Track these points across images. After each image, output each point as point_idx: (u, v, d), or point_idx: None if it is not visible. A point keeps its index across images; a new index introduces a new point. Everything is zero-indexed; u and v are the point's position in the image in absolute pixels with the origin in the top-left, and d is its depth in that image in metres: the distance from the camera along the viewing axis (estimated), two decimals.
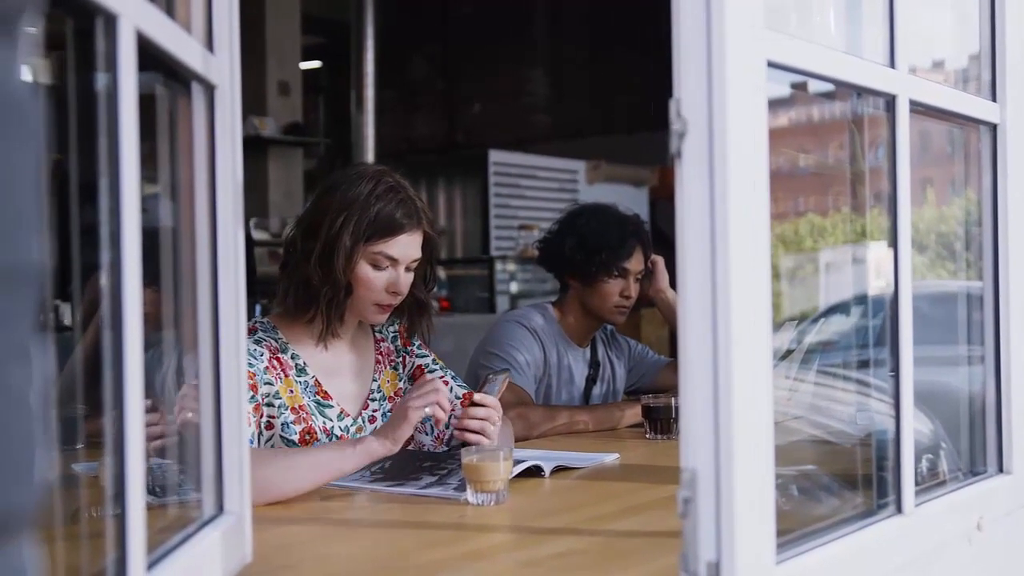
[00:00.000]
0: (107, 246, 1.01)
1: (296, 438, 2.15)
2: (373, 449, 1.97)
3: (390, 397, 2.35)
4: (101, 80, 1.02)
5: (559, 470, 2.17)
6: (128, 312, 1.01)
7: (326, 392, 2.23)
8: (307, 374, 2.22)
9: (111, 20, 0.99)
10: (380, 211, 2.17)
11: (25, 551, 0.57)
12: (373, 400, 2.33)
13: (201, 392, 1.37)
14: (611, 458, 2.34)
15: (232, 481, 1.38)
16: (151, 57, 1.12)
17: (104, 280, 1.02)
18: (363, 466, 2.00)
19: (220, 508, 1.37)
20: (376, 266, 2.19)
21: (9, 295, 0.55)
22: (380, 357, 2.38)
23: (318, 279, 2.17)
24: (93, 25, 1.00)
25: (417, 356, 2.44)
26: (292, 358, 2.22)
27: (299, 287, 2.20)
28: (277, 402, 2.14)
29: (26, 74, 0.59)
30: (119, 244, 1.01)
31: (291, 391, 2.17)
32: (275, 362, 2.17)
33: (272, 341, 2.19)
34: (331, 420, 2.21)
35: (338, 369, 2.29)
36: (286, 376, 2.18)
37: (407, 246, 2.21)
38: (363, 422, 2.28)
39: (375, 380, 2.35)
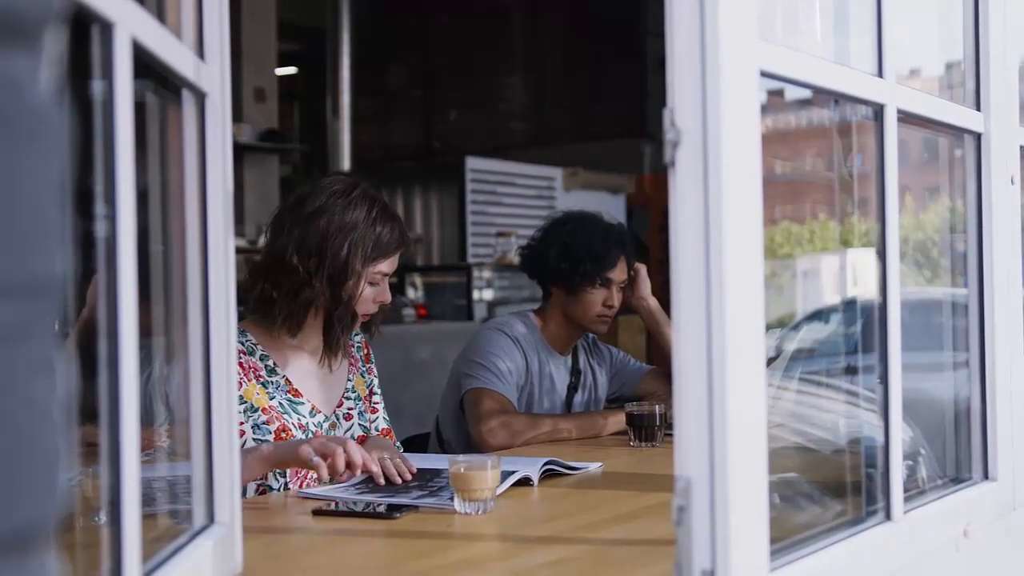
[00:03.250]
0: (103, 253, 1.00)
1: (272, 437, 2.22)
2: (264, 456, 2.03)
3: (364, 397, 2.46)
4: (96, 87, 1.01)
5: (547, 476, 2.18)
6: (123, 320, 1.00)
7: (297, 390, 2.30)
8: (278, 374, 2.29)
9: (107, 28, 0.99)
10: (381, 234, 2.29)
11: (49, 562, 0.57)
12: (348, 399, 2.41)
13: (191, 402, 1.36)
14: (595, 467, 2.34)
15: (223, 492, 1.37)
16: (143, 64, 1.11)
17: (100, 288, 1.01)
18: (258, 475, 2.05)
19: (211, 518, 1.36)
20: (372, 283, 2.31)
21: (34, 307, 0.55)
22: (353, 360, 2.47)
23: (326, 303, 2.26)
24: (88, 32, 1.00)
25: (373, 375, 2.54)
26: (261, 359, 2.28)
27: (302, 307, 2.26)
28: (242, 406, 2.19)
29: (49, 83, 0.58)
30: (115, 251, 1.00)
31: (257, 393, 2.23)
32: (238, 367, 2.19)
33: (238, 344, 2.21)
34: (304, 416, 2.28)
35: (311, 370, 2.35)
36: (250, 380, 2.24)
37: (396, 261, 2.35)
38: (337, 419, 2.37)
39: (350, 380, 2.44)
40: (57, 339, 0.58)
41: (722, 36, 1.15)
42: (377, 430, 2.42)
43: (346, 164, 8.79)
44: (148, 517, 1.37)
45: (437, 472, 2.17)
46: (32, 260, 0.55)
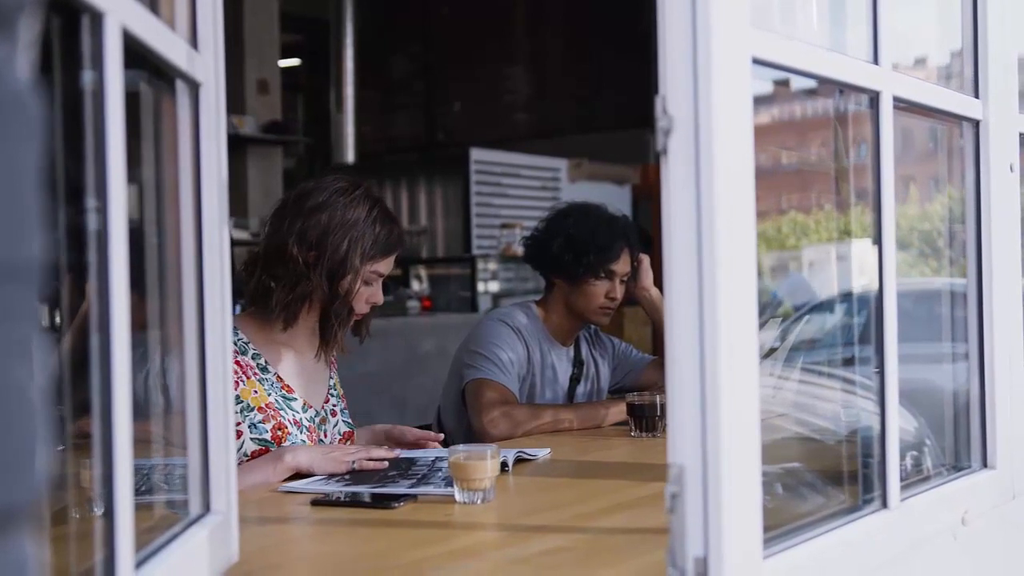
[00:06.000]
0: (94, 246, 1.00)
1: (268, 436, 2.25)
2: (299, 463, 2.11)
3: (342, 395, 2.50)
4: (86, 78, 1.02)
5: (518, 462, 2.23)
6: (115, 312, 1.00)
7: (288, 386, 2.33)
8: (269, 372, 2.31)
9: (97, 17, 0.99)
10: (380, 234, 2.31)
11: (27, 545, 0.57)
12: (332, 395, 2.46)
13: (187, 392, 1.36)
14: (543, 453, 2.38)
15: (219, 480, 1.37)
16: (135, 55, 1.11)
17: (91, 281, 1.01)
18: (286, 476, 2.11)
19: (207, 507, 1.36)
20: (367, 283, 2.33)
21: (13, 290, 0.56)
22: (333, 359, 2.51)
23: (323, 297, 2.28)
24: (78, 22, 1.00)
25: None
26: (253, 358, 2.31)
27: (298, 300, 2.28)
28: (239, 406, 2.21)
29: (25, 71, 0.59)
30: (106, 244, 1.00)
31: (255, 392, 2.27)
32: (235, 366, 2.21)
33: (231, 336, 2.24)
34: (297, 412, 2.32)
35: (299, 367, 2.38)
36: (248, 378, 2.27)
37: (392, 263, 2.38)
38: (326, 414, 2.41)
39: (331, 378, 2.48)
40: (37, 323, 0.59)
41: (713, 23, 1.15)
42: (340, 433, 2.44)
43: (350, 156, 8.79)
44: (146, 506, 1.38)
45: (412, 461, 2.20)
46: (8, 245, 0.55)
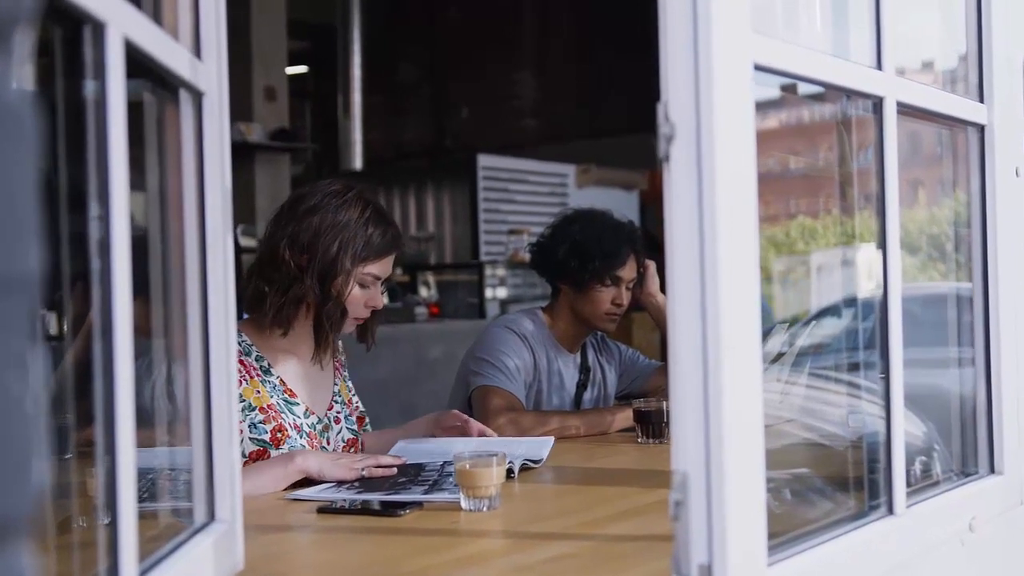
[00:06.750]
0: (96, 254, 1.01)
1: (267, 437, 2.25)
2: (308, 466, 2.10)
3: (347, 402, 2.49)
4: (89, 87, 1.02)
5: (523, 469, 2.22)
6: (118, 320, 1.01)
7: (291, 390, 2.33)
8: (273, 375, 2.32)
9: (99, 28, 0.99)
10: (372, 235, 2.30)
11: (23, 556, 0.57)
12: (336, 402, 2.45)
13: (192, 400, 1.36)
14: (548, 444, 2.40)
15: (223, 489, 1.38)
16: (138, 64, 1.12)
17: (94, 289, 1.01)
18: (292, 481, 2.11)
19: (212, 516, 1.36)
20: (362, 285, 2.32)
21: (7, 302, 0.56)
22: (338, 365, 2.51)
23: (315, 299, 2.28)
24: (80, 32, 1.00)
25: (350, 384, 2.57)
26: (256, 360, 2.31)
27: (291, 303, 2.28)
28: (241, 404, 2.21)
29: (22, 82, 0.59)
30: (108, 252, 1.00)
31: (257, 392, 2.27)
32: (239, 365, 2.22)
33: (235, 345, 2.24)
34: (299, 417, 2.32)
35: (303, 373, 2.38)
36: (251, 378, 2.27)
37: (389, 265, 2.36)
38: (329, 421, 2.41)
39: (336, 385, 2.47)
40: (34, 335, 0.59)
41: (715, 29, 1.15)
42: (343, 441, 2.44)
43: (358, 163, 8.80)
44: (151, 514, 1.38)
45: (421, 467, 2.20)
46: (6, 256, 0.55)
